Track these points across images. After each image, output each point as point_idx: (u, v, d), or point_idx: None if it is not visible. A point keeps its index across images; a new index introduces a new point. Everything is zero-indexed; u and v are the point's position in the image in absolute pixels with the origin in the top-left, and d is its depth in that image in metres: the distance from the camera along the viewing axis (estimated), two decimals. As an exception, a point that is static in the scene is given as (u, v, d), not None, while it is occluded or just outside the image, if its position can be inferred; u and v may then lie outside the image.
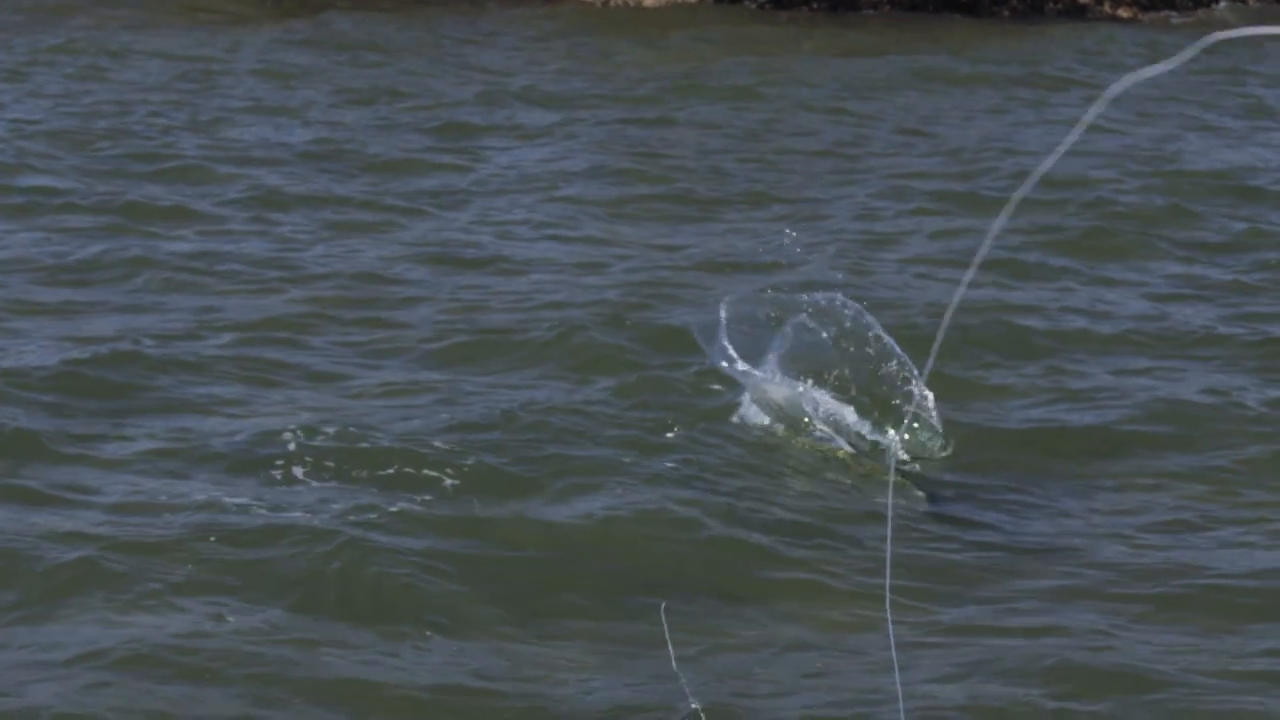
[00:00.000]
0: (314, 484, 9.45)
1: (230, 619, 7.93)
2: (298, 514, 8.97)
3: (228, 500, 9.15)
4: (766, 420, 10.41)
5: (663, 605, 7.40)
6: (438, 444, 9.91)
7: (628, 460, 9.80)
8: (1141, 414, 10.97)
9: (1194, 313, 13.30)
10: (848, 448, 10.16)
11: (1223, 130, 21.03)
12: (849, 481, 9.86)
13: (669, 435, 10.21)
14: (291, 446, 9.81)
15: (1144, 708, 7.29)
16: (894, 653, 6.27)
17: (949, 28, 29.98)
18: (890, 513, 8.25)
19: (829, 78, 24.23)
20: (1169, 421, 10.84)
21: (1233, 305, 13.61)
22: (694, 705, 6.91)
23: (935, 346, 9.23)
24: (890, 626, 6.52)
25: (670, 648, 7.10)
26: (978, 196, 16.88)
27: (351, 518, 8.90)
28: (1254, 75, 25.00)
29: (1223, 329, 12.84)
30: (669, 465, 9.81)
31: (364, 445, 9.86)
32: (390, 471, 9.62)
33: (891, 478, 9.70)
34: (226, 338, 11.97)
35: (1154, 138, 20.13)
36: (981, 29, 29.93)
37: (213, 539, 8.65)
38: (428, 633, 7.95)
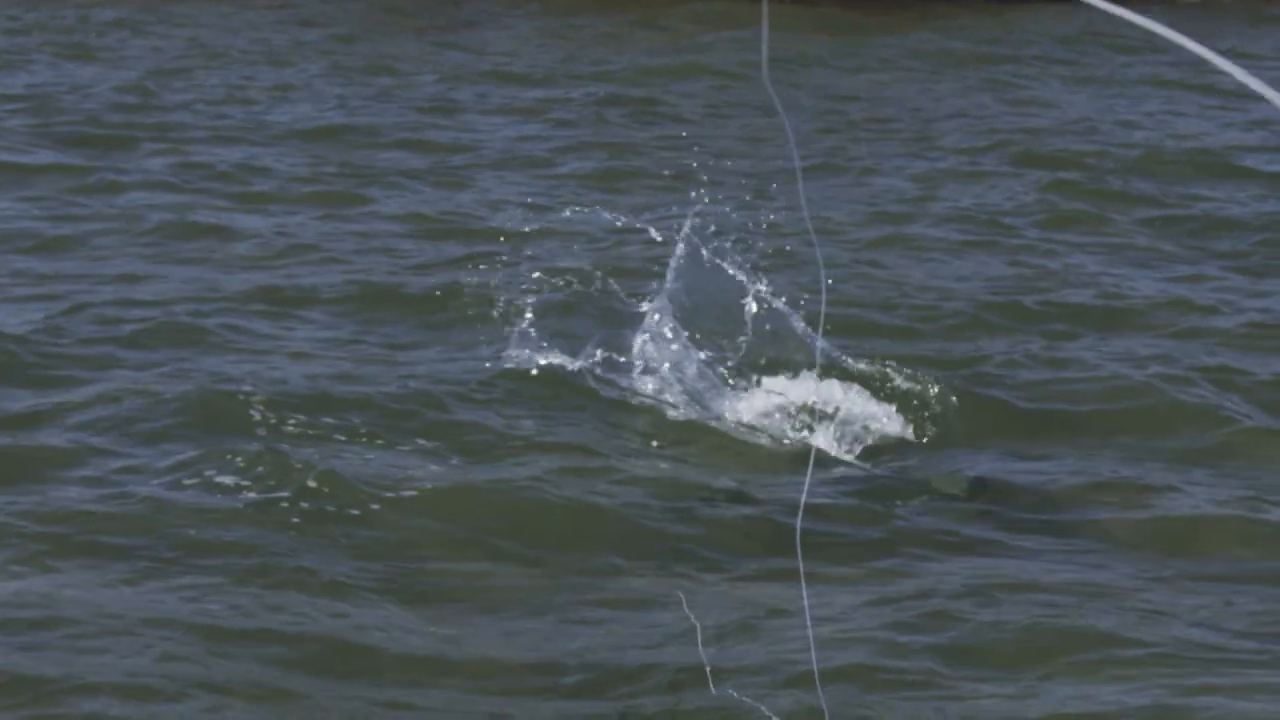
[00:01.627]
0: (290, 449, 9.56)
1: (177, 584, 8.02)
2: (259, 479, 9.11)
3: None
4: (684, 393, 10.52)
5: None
6: (408, 405, 10.15)
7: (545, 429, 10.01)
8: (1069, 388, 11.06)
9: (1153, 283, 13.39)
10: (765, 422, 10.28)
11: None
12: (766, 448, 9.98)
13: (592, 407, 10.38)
14: (268, 413, 9.93)
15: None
16: (806, 603, 6.36)
17: (941, 8, 30.00)
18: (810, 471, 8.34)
19: (822, 56, 24.27)
20: (1109, 399, 10.94)
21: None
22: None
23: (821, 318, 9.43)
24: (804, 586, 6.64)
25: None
26: (971, 173, 16.93)
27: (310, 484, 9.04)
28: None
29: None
30: (578, 436, 9.97)
31: (339, 407, 10.03)
32: (363, 434, 9.77)
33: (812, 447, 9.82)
34: (211, 307, 12.12)
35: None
36: (965, 9, 29.92)
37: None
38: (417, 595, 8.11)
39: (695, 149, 17.77)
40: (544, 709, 7.05)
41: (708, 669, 6.95)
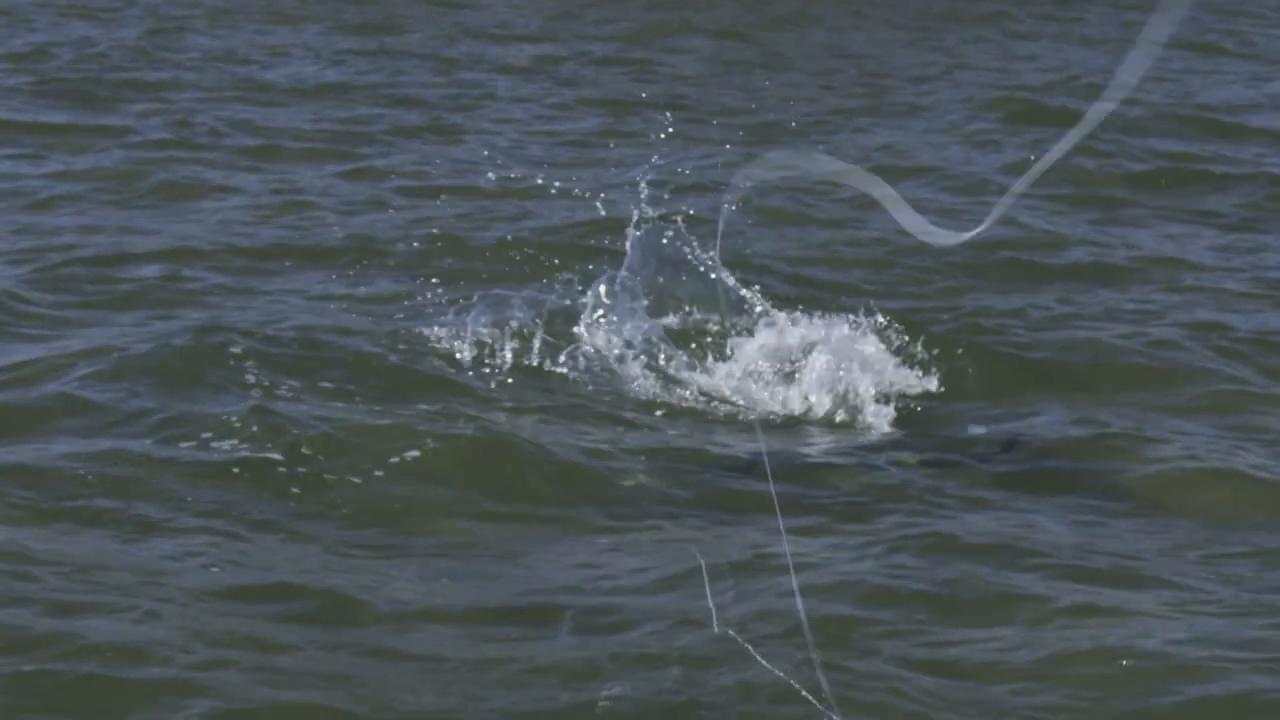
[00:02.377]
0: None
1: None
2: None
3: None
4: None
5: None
6: (396, 363, 10.28)
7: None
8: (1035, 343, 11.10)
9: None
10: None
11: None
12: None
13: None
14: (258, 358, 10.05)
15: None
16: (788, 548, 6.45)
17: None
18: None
19: (822, 16, 24.23)
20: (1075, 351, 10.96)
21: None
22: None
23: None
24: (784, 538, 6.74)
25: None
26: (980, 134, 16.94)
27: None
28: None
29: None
30: (562, 397, 10.08)
31: (329, 364, 10.13)
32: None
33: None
34: (206, 263, 12.19)
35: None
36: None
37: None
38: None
39: (693, 108, 17.81)
40: (536, 651, 7.13)
41: (706, 613, 7.12)
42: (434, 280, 11.86)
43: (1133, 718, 6.67)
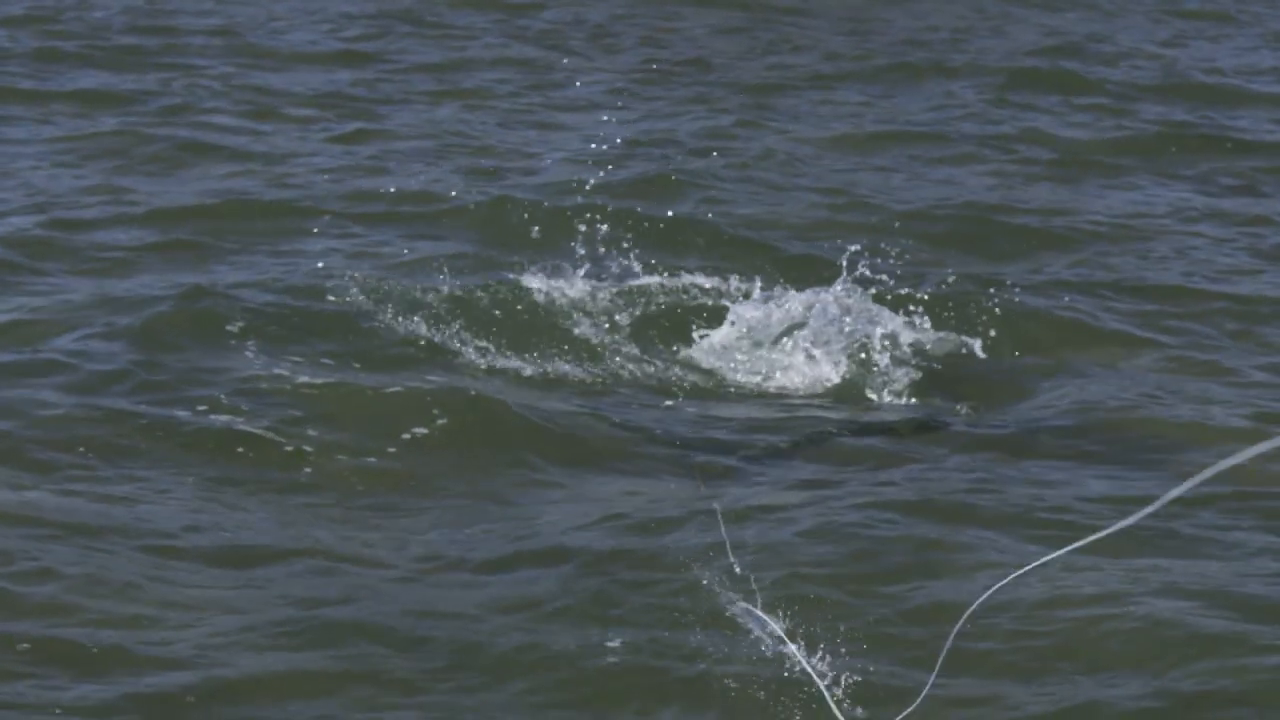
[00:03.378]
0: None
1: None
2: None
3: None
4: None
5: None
6: (387, 322, 10.38)
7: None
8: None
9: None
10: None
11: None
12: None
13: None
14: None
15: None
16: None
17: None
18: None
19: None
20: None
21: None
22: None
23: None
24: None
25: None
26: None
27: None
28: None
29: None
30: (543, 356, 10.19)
31: (322, 322, 10.34)
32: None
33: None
34: (209, 223, 12.26)
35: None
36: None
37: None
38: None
39: (706, 67, 17.83)
40: (543, 597, 7.29)
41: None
42: (435, 243, 11.92)
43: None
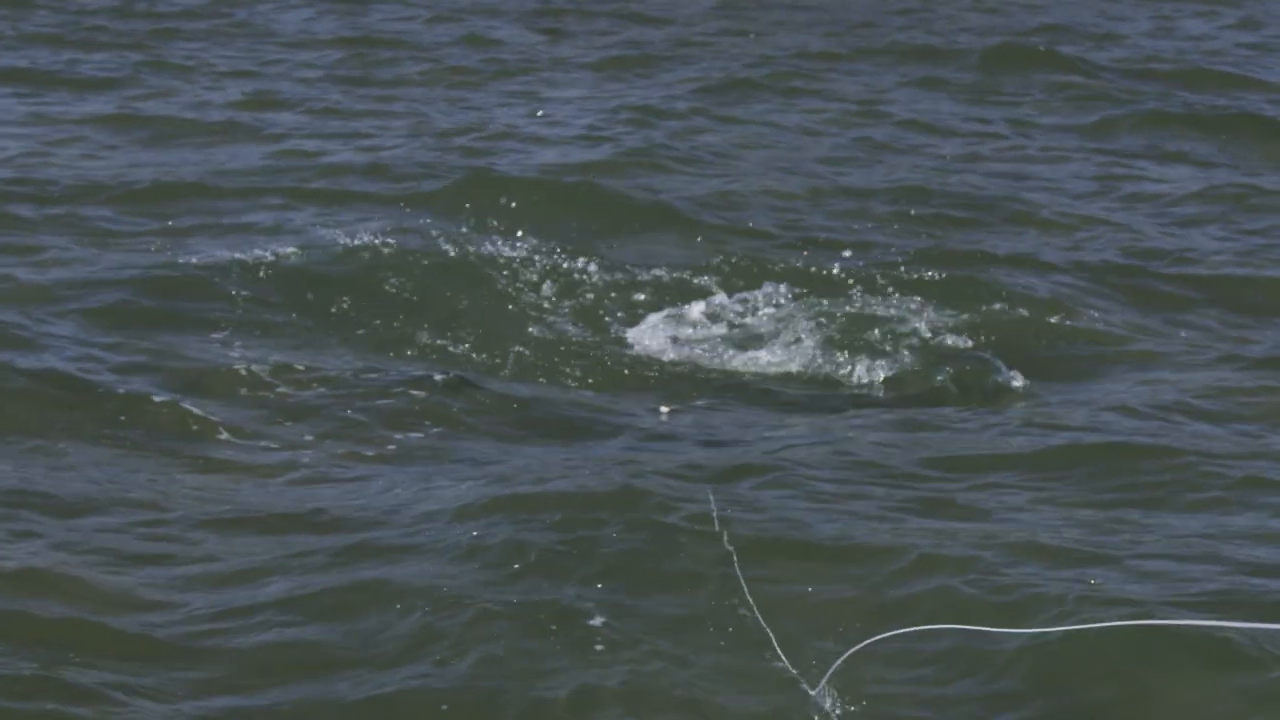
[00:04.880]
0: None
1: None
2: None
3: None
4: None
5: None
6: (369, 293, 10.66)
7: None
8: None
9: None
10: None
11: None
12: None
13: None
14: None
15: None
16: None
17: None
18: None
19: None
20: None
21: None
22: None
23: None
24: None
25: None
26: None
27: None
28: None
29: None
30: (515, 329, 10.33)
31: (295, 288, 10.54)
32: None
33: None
34: (201, 202, 12.44)
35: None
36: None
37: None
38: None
39: (698, 48, 17.89)
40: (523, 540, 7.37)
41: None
42: (408, 220, 12.00)
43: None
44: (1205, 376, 9.84)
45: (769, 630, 6.42)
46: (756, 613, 6.54)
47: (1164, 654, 6.38)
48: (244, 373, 9.34)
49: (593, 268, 11.10)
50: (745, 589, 6.66)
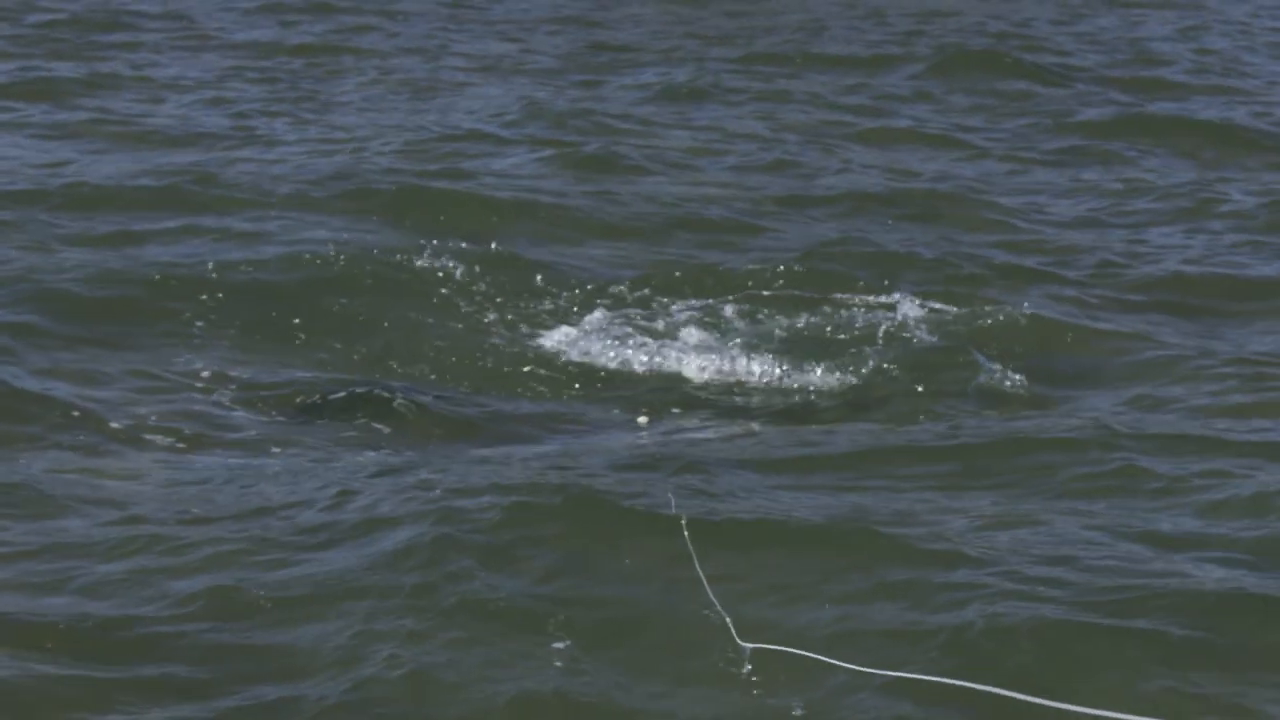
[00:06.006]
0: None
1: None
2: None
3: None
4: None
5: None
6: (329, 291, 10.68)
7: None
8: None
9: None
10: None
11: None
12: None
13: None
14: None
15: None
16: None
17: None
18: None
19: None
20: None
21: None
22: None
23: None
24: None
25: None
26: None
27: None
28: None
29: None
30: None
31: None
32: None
33: None
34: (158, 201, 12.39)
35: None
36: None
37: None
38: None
39: (648, 54, 17.90)
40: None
41: None
42: (357, 223, 11.96)
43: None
44: (1176, 376, 9.86)
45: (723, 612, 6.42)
46: (709, 591, 6.51)
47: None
48: (177, 378, 9.30)
49: (536, 276, 11.03)
50: (700, 571, 6.62)
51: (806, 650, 6.09)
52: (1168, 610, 6.71)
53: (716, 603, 6.43)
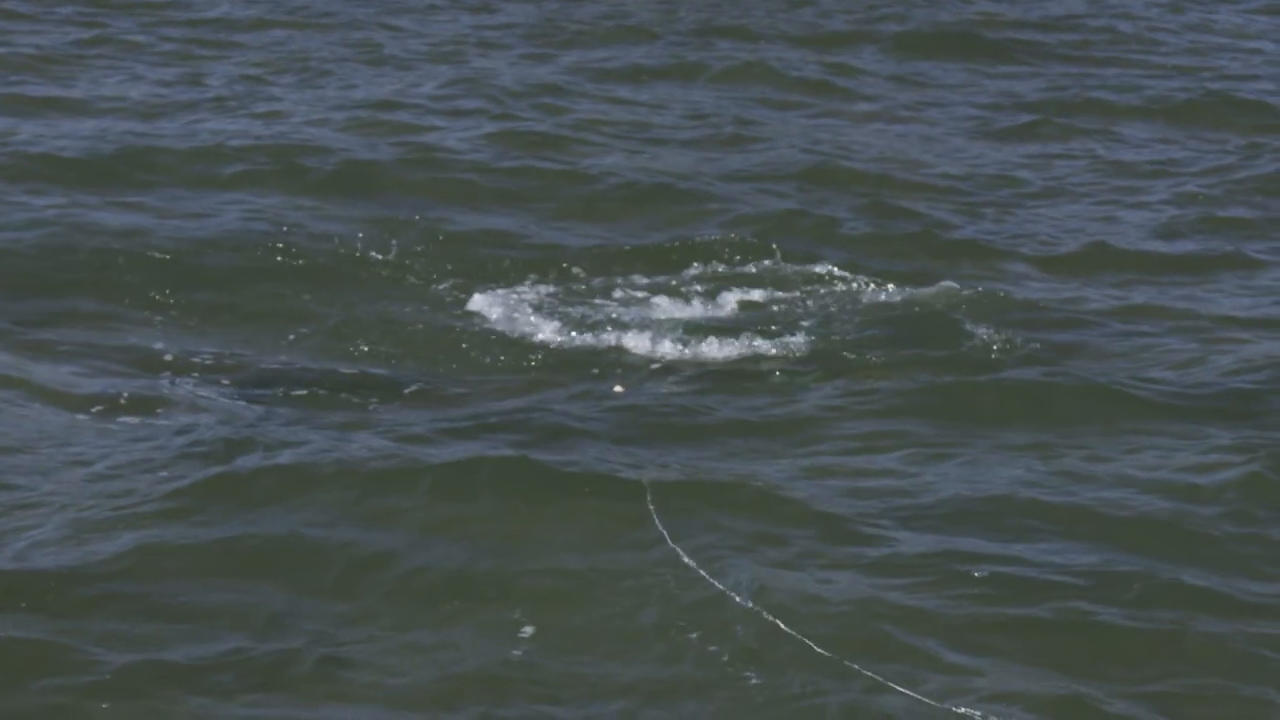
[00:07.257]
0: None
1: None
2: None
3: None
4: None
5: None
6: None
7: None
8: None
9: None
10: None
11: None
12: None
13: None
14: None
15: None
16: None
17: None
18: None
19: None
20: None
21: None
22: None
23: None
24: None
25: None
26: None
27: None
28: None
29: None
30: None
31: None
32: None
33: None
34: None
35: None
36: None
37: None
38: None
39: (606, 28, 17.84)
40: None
41: None
42: (316, 200, 11.84)
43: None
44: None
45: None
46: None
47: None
48: (116, 350, 9.19)
49: (488, 251, 10.92)
50: (661, 525, 6.58)
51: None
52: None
53: (684, 555, 6.42)
